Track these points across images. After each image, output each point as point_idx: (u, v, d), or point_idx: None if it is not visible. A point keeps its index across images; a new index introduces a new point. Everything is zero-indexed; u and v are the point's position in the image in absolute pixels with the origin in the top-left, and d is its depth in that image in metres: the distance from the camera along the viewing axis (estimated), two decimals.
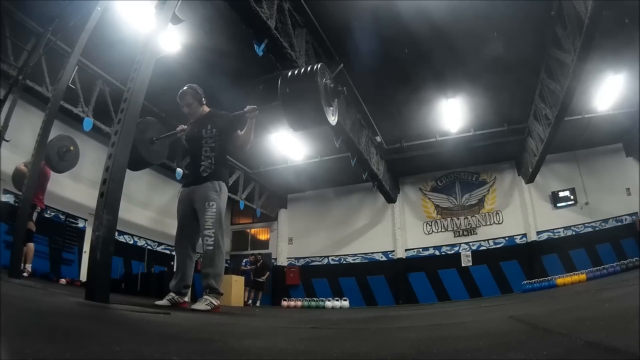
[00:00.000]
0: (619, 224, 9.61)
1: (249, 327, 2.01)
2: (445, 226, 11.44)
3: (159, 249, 10.37)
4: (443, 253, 11.21)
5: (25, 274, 4.95)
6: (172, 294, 3.10)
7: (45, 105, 5.00)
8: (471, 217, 11.19)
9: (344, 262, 12.19)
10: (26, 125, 6.17)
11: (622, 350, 0.71)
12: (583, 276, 8.34)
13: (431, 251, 11.38)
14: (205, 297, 3.04)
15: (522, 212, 10.68)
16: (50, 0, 5.51)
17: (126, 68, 2.75)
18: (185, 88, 3.45)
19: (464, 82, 7.50)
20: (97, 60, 6.73)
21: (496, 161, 11.17)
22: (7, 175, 5.67)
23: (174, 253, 3.47)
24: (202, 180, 3.20)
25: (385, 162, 10.53)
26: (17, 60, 5.91)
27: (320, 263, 12.48)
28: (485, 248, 10.81)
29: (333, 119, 2.98)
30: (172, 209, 3.53)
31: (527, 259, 10.15)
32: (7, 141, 5.43)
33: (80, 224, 8.24)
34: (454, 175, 11.77)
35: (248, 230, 13.99)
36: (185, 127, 3.46)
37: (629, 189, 9.61)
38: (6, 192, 6.33)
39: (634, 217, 9.33)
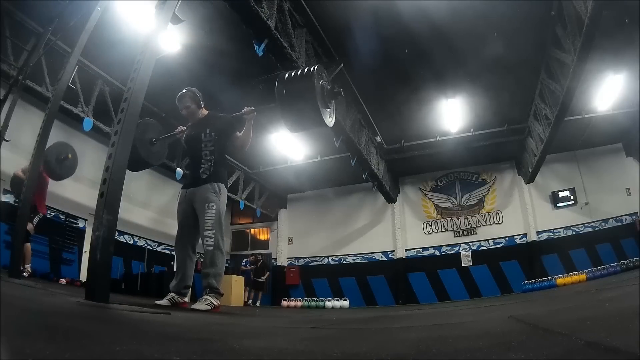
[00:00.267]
0: (619, 224, 9.61)
1: (249, 327, 2.01)
2: (445, 226, 11.44)
3: (159, 249, 10.37)
4: (443, 253, 11.21)
5: (25, 274, 4.95)
6: (172, 293, 3.11)
7: (45, 105, 5.00)
8: (471, 217, 11.19)
9: (344, 262, 12.19)
10: (26, 125, 6.16)
11: (622, 350, 0.71)
12: (583, 276, 8.34)
13: (431, 251, 11.38)
14: (206, 297, 3.05)
15: (522, 212, 10.68)
16: (50, 0, 5.51)
17: (126, 68, 2.75)
18: (183, 91, 3.45)
19: (464, 82, 7.50)
20: (97, 60, 6.73)
21: (496, 161, 11.17)
22: (7, 175, 5.67)
23: (174, 253, 3.46)
24: (201, 182, 3.21)
25: (385, 162, 10.53)
26: (17, 60, 5.91)
27: (320, 263, 12.49)
28: (485, 248, 10.81)
29: (330, 120, 2.98)
30: (172, 209, 3.54)
31: (527, 259, 10.15)
32: (7, 141, 5.44)
33: (80, 224, 8.25)
34: (454, 175, 11.77)
35: (248, 230, 13.99)
36: (185, 128, 3.46)
37: (629, 189, 9.61)
38: (6, 192, 6.33)
39: (634, 217, 9.33)
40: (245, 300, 9.95)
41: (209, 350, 0.96)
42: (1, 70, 5.69)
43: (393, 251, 11.67)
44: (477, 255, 10.79)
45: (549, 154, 8.75)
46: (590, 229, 9.94)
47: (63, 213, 7.85)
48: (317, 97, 2.76)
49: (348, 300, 10.75)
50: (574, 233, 10.08)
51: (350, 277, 11.84)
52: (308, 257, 12.67)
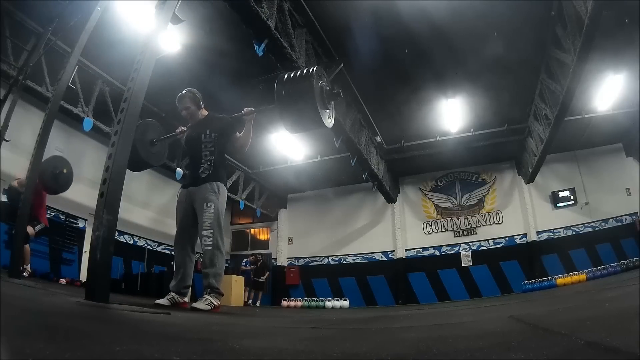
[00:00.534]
0: (619, 224, 9.61)
1: (249, 327, 2.01)
2: (445, 226, 11.44)
3: (159, 249, 10.37)
4: (443, 253, 11.21)
5: (25, 274, 4.95)
6: (172, 293, 3.11)
7: (45, 105, 5.00)
8: (471, 217, 11.19)
9: (344, 262, 12.19)
10: (26, 125, 6.17)
11: (622, 350, 0.71)
12: (583, 276, 8.34)
13: (431, 251, 11.38)
14: (206, 296, 3.05)
15: (522, 212, 10.68)
16: (50, 0, 5.51)
17: (126, 68, 2.75)
18: (183, 92, 3.45)
19: (464, 82, 7.50)
20: (97, 60, 6.73)
21: (496, 161, 11.17)
22: (7, 175, 5.67)
23: (173, 253, 3.46)
24: (200, 181, 3.21)
25: (385, 162, 10.53)
26: (17, 60, 5.91)
27: (320, 263, 12.49)
28: (485, 248, 10.81)
29: (329, 122, 2.98)
30: (172, 209, 3.53)
31: (527, 259, 10.15)
32: (7, 141, 5.44)
33: (80, 224, 8.24)
34: (454, 175, 11.77)
35: (248, 230, 13.99)
36: (185, 128, 3.46)
37: (629, 189, 9.61)
38: (6, 191, 6.32)
39: (634, 217, 9.33)
40: (245, 300, 9.95)
41: (209, 350, 0.96)
42: (1, 70, 5.69)
43: (393, 251, 11.67)
44: (477, 255, 10.79)
45: (549, 154, 8.75)
46: (590, 229, 9.94)
47: (63, 213, 7.85)
48: (316, 98, 2.76)
49: (348, 300, 10.75)
50: (574, 233, 10.08)
51: (350, 277, 11.84)
52: (308, 257, 12.67)
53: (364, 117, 8.54)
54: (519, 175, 11.00)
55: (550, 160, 9.67)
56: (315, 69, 2.84)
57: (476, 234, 11.02)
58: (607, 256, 9.20)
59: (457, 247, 11.08)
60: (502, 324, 1.57)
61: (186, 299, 3.24)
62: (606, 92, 7.71)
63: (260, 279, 10.61)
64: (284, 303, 11.17)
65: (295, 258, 12.80)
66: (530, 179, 10.26)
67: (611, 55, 6.63)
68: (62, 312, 1.44)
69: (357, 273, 11.83)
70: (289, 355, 0.99)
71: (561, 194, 10.43)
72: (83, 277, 7.45)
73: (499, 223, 10.90)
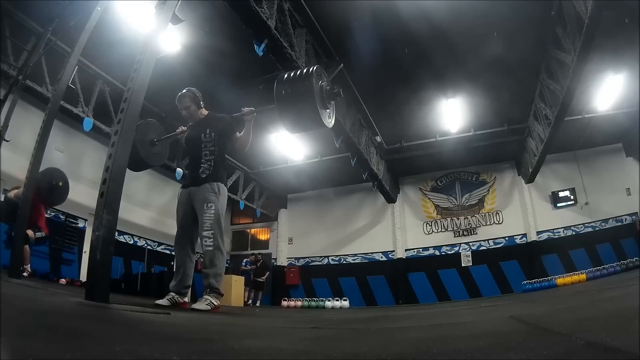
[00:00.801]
0: (619, 224, 9.61)
1: (249, 327, 2.01)
2: (445, 226, 11.44)
3: (159, 249, 10.38)
4: (443, 253, 11.21)
5: (25, 274, 4.95)
6: (172, 293, 3.11)
7: (45, 105, 5.00)
8: (471, 217, 11.19)
9: (344, 262, 12.19)
10: (26, 125, 6.16)
11: (622, 350, 0.71)
12: (583, 276, 8.34)
13: (431, 251, 11.38)
14: (206, 296, 3.05)
15: (522, 212, 10.68)
16: (50, 0, 5.51)
17: (126, 68, 2.75)
18: (183, 92, 3.45)
19: (464, 82, 7.50)
20: (97, 60, 6.73)
21: (496, 161, 11.18)
22: (7, 175, 5.67)
23: (173, 253, 3.46)
24: (200, 181, 3.20)
25: (385, 162, 10.53)
26: (17, 60, 5.91)
27: (320, 263, 12.49)
28: (485, 248, 10.81)
29: (329, 122, 2.98)
30: (172, 209, 3.53)
31: (527, 259, 10.15)
32: (7, 141, 5.43)
33: (80, 224, 8.25)
34: (454, 175, 11.77)
35: (248, 230, 13.99)
36: (185, 128, 3.46)
37: (629, 189, 9.61)
38: (6, 191, 6.32)
39: (634, 217, 9.33)
40: (245, 300, 9.95)
41: (208, 351, 0.96)
42: (1, 70, 5.68)
43: (393, 251, 11.67)
44: (477, 255, 10.79)
45: (549, 154, 8.75)
46: (590, 229, 9.94)
47: (63, 213, 7.85)
48: (316, 98, 2.75)
49: (348, 300, 10.76)
50: (574, 233, 10.08)
51: (350, 277, 11.85)
52: (308, 257, 12.67)
53: (364, 117, 8.54)
54: (519, 175, 11.01)
55: (550, 160, 9.67)
56: (315, 68, 2.83)
57: (476, 234, 11.02)
58: (607, 256, 9.20)
59: (457, 247, 11.08)
60: (502, 324, 1.57)
61: (186, 299, 3.24)
62: (606, 92, 7.71)
63: (260, 279, 10.62)
64: (284, 303, 11.17)
65: (295, 258, 12.80)
66: (530, 179, 10.26)
67: (611, 55, 6.63)
68: (62, 312, 1.44)
69: (357, 273, 11.84)
70: (289, 355, 0.99)
71: (561, 194, 10.44)
72: (83, 277, 7.45)
73: (499, 223, 10.91)
